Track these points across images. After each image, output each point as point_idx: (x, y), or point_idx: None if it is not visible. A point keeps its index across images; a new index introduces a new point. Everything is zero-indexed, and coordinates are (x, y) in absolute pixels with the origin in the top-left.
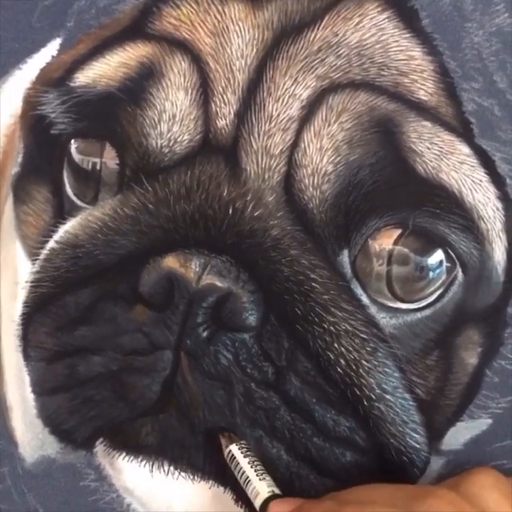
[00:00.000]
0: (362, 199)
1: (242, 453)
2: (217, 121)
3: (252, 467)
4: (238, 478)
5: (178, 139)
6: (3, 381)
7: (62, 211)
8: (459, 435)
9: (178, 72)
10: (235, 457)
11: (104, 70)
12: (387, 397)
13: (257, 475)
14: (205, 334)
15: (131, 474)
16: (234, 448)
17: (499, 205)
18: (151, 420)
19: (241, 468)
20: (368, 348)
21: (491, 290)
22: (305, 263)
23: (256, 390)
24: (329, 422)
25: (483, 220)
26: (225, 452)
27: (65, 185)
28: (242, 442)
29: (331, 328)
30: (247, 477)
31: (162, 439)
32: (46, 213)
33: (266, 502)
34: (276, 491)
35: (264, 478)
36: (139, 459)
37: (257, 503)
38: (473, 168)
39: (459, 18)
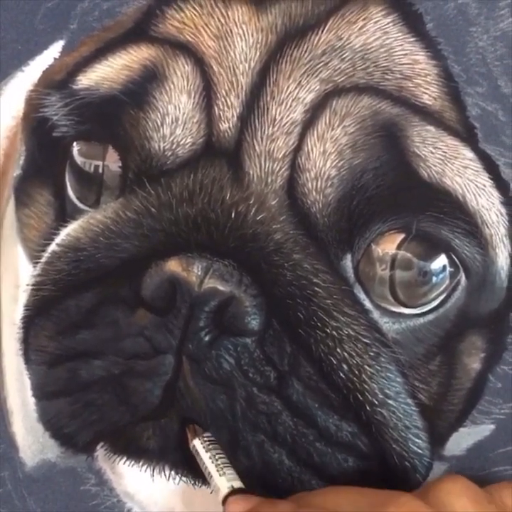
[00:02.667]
0: (365, 203)
1: (204, 447)
2: (220, 125)
3: (213, 462)
4: (203, 472)
5: (181, 142)
6: (4, 385)
7: (64, 214)
8: (461, 441)
9: (181, 75)
10: (198, 452)
11: (107, 73)
12: (390, 402)
13: (217, 470)
14: (207, 338)
15: (132, 479)
16: (197, 442)
17: (503, 210)
18: (152, 425)
19: (203, 463)
20: (371, 353)
21: (495, 295)
22: (308, 267)
23: (258, 394)
24: (331, 427)
25: (486, 225)
26: (190, 446)
27: (67, 188)
28: (205, 435)
29: (334, 332)
30: (209, 472)
31: (163, 443)
32: (48, 216)
33: (226, 497)
34: (237, 484)
35: (224, 473)
36: (140, 464)
37: (219, 499)
38: (477, 172)
39: (463, 22)
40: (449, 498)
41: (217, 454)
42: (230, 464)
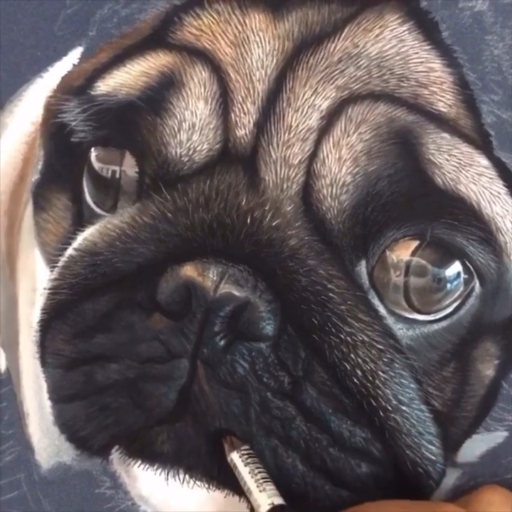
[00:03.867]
0: (380, 210)
1: (242, 461)
2: (236, 131)
3: (252, 477)
4: (242, 486)
5: (198, 148)
6: (21, 387)
7: (81, 219)
8: (475, 447)
9: (199, 82)
10: (236, 466)
11: (125, 79)
12: (404, 408)
13: (257, 486)
14: (222, 343)
15: (147, 482)
16: (235, 456)
17: None
18: (167, 428)
19: (242, 477)
20: (385, 359)
21: (509, 303)
22: (322, 273)
23: (272, 399)
24: (345, 432)
25: (501, 232)
26: (228, 459)
27: (84, 193)
28: (243, 448)
29: (348, 338)
30: (249, 488)
31: (178, 447)
32: (65, 221)
33: None
34: (277, 501)
35: (264, 489)
36: (155, 467)
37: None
38: (491, 180)
39: (479, 30)
40: (491, 508)
41: (256, 468)
42: (269, 479)
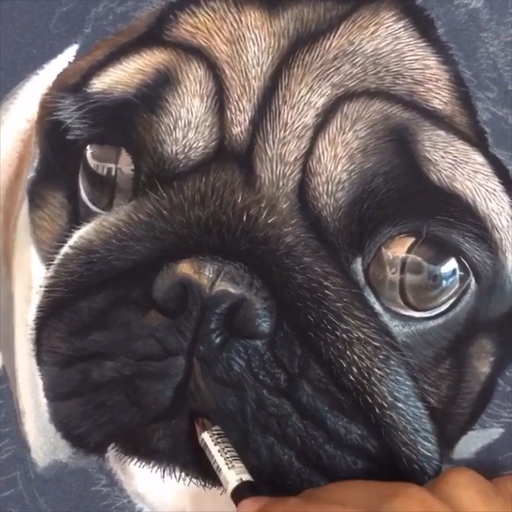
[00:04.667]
0: (376, 207)
1: (213, 441)
2: (232, 129)
3: (222, 455)
4: (212, 465)
5: (193, 146)
6: (17, 385)
7: (77, 216)
8: (470, 444)
9: (194, 80)
10: (206, 445)
11: (121, 77)
12: (399, 405)
13: (226, 463)
14: (217, 340)
15: (143, 480)
16: (205, 436)
17: None
18: (163, 426)
19: (212, 456)
20: (381, 356)
21: (504, 300)
22: (318, 270)
23: (268, 396)
24: (341, 429)
25: (496, 229)
26: (199, 439)
27: (80, 191)
28: (214, 428)
29: (344, 335)
30: (218, 465)
31: (174, 444)
32: (61, 218)
33: (236, 490)
34: (246, 477)
35: (233, 466)
36: (151, 465)
37: (228, 491)
38: (487, 177)
39: (474, 27)
40: (456, 489)
41: (225, 447)
42: (238, 457)
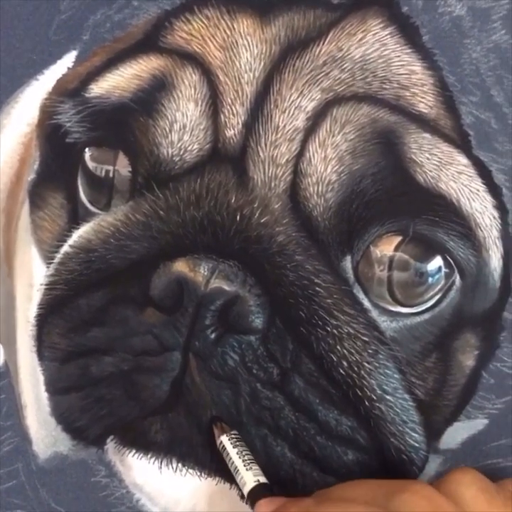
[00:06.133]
0: (364, 207)
1: (231, 443)
2: (226, 132)
3: (240, 457)
4: (229, 467)
5: (189, 148)
6: (19, 380)
7: (76, 216)
8: (456, 434)
9: (189, 85)
10: (225, 447)
11: (118, 82)
12: (388, 397)
13: (244, 465)
14: (212, 336)
15: (141, 471)
16: (224, 438)
17: (496, 213)
18: (160, 419)
19: (230, 458)
20: (370, 351)
21: (488, 295)
22: (309, 268)
23: (261, 390)
24: (332, 421)
25: (480, 228)
26: (217, 442)
27: (79, 192)
28: (232, 432)
29: (334, 331)
30: (236, 467)
31: (171, 437)
32: (61, 219)
33: (252, 491)
34: (262, 479)
35: (251, 468)
36: (148, 456)
37: (245, 492)
38: (471, 178)
39: (457, 34)
40: (460, 488)
41: (243, 450)
42: (255, 461)
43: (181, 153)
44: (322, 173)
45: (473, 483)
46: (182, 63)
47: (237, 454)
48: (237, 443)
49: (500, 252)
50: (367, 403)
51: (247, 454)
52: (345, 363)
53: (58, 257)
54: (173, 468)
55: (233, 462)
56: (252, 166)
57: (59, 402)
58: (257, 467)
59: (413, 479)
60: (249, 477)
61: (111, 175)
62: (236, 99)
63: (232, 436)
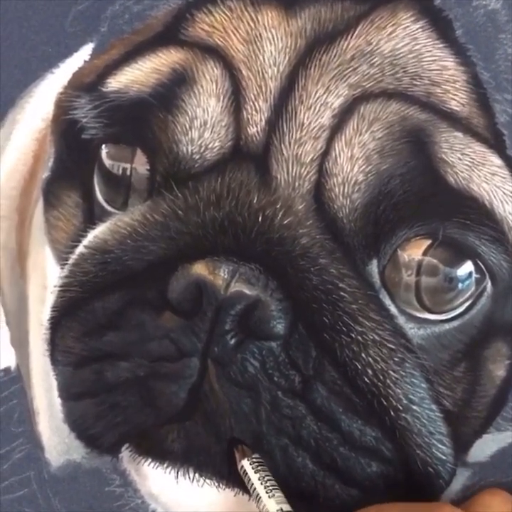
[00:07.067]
0: (392, 209)
1: (253, 468)
2: (248, 129)
3: (262, 483)
4: (251, 492)
5: (209, 146)
6: (31, 385)
7: (92, 216)
8: (485, 447)
9: (210, 79)
10: (246, 473)
11: (137, 76)
12: (414, 407)
13: (266, 492)
14: (232, 342)
15: (157, 480)
16: (245, 463)
17: None
18: (177, 427)
19: (252, 484)
20: (396, 359)
21: None
22: (334, 272)
23: (282, 398)
24: (355, 431)
25: None
26: (239, 466)
27: (95, 191)
28: (254, 457)
29: (359, 337)
30: (258, 494)
31: (188, 446)
32: (76, 218)
33: None
34: (286, 507)
35: (273, 495)
36: (165, 466)
37: None
38: (504, 179)
39: (492, 29)
40: (490, 510)
41: (265, 475)
42: (278, 487)
43: (202, 150)
44: (348, 173)
45: (502, 506)
46: (203, 57)
47: (259, 479)
48: (259, 468)
49: None
50: (392, 413)
51: (269, 480)
52: (370, 371)
53: (73, 257)
54: (190, 478)
55: (255, 489)
56: (275, 164)
57: (72, 409)
58: (280, 494)
59: (441, 502)
60: (272, 505)
61: (128, 173)
62: (259, 95)
63: (254, 460)
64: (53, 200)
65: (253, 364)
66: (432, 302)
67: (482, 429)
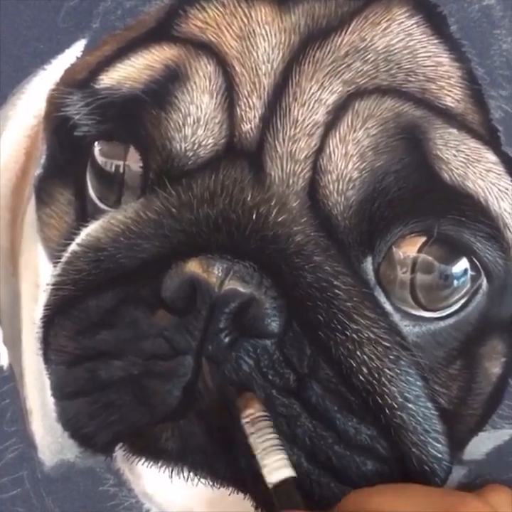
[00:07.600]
0: (386, 206)
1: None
2: (242, 126)
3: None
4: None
5: (203, 143)
6: (24, 384)
7: (84, 214)
8: (481, 445)
9: (204, 76)
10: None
11: (129, 72)
12: (410, 405)
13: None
14: (226, 340)
15: (151, 480)
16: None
17: None
18: (171, 426)
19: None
20: (391, 356)
21: None
22: (328, 270)
23: (277, 396)
24: (350, 430)
25: (509, 228)
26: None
27: (87, 188)
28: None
29: (354, 335)
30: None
31: (182, 444)
32: (68, 216)
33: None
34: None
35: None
36: (159, 465)
37: (269, 484)
38: (499, 176)
39: (487, 24)
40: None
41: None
42: (282, 447)
43: (195, 148)
44: (342, 169)
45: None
46: (196, 53)
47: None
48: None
49: None
50: (387, 411)
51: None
52: (365, 369)
53: (66, 255)
54: (184, 477)
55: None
56: (269, 161)
57: (66, 408)
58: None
59: (464, 492)
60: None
61: (121, 170)
62: (253, 92)
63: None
64: (45, 197)
65: (247, 362)
66: (427, 299)
67: (478, 427)
